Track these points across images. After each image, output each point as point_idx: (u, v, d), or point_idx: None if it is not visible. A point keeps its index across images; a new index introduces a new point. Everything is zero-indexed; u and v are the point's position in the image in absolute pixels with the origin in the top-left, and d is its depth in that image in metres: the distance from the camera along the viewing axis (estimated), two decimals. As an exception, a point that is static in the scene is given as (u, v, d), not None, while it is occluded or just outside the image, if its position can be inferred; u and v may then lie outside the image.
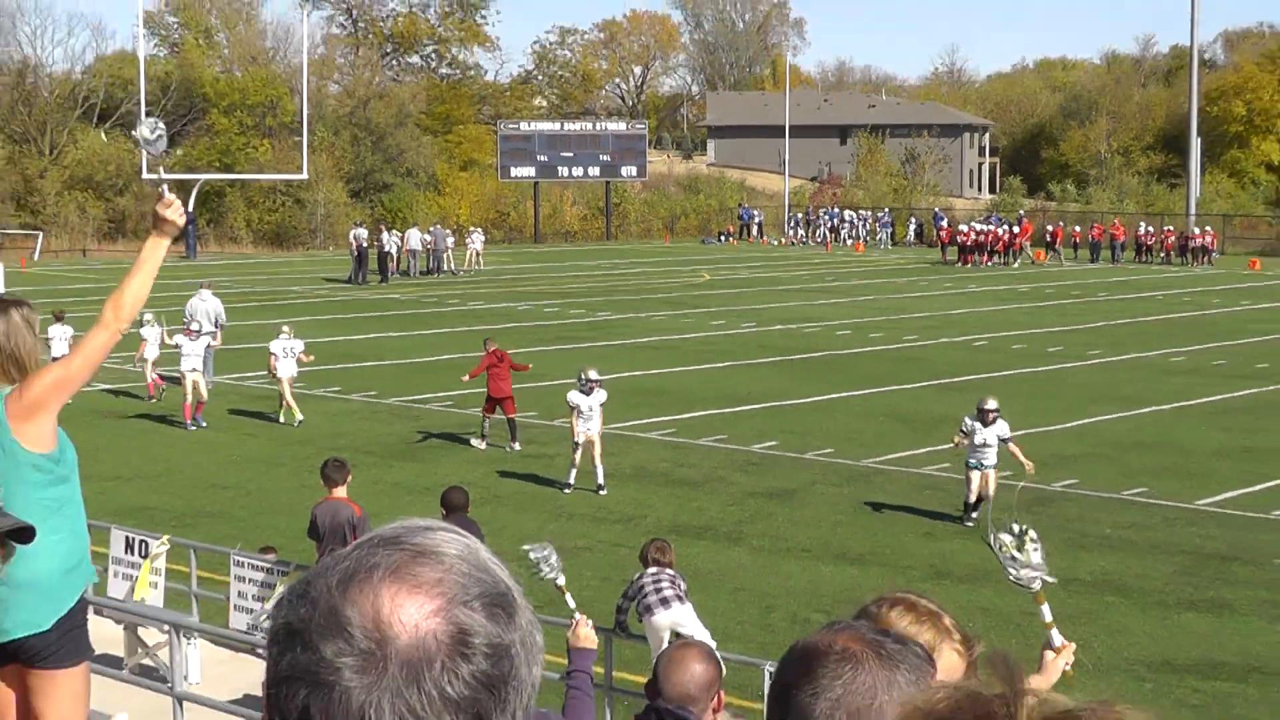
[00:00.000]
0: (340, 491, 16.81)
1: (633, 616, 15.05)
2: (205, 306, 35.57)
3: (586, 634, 8.10)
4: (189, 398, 31.10)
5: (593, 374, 25.42)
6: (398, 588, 1.76)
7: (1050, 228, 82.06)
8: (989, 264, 76.18)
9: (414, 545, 1.82)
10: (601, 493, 24.98)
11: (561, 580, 9.31)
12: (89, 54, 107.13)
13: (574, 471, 25.26)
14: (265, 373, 33.04)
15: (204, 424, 31.25)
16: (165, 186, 6.72)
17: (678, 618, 14.79)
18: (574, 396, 25.26)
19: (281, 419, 31.82)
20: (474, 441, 29.17)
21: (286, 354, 32.03)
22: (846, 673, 2.67)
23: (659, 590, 14.80)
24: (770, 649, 16.57)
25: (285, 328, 32.96)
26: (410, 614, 1.74)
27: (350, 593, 1.76)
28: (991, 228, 78.99)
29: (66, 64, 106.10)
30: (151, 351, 33.73)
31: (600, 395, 25.36)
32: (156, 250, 6.69)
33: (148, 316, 33.03)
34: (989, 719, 1.71)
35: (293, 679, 1.74)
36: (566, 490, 25.19)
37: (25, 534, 3.18)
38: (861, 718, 2.63)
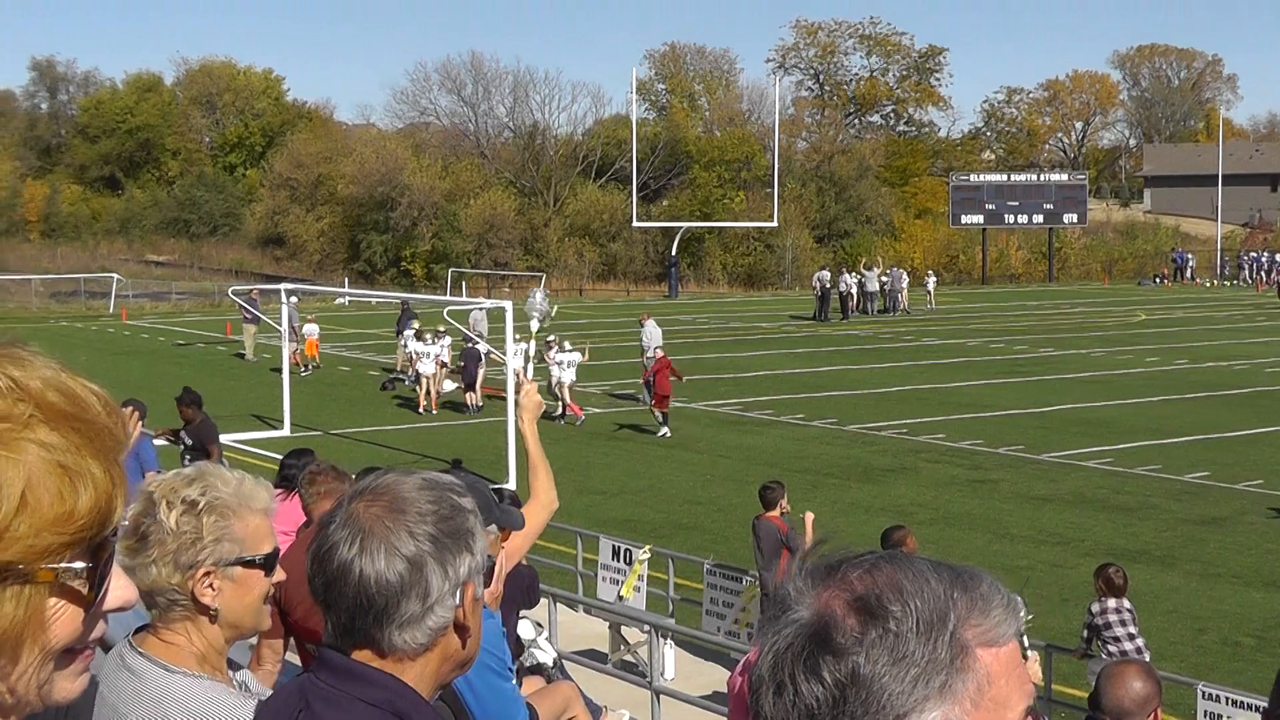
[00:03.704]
0: (774, 512, 16.83)
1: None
2: (656, 333, 38.51)
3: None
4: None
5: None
6: None
7: None
8: None
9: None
10: None
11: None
12: (589, 118, 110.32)
13: None
14: (729, 399, 33.33)
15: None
16: (525, 373, 6.54)
17: None
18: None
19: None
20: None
21: (426, 356, 36.50)
22: None
23: (1131, 637, 14.06)
24: (1201, 669, 15.85)
25: (418, 327, 38.01)
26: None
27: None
28: None
29: (569, 127, 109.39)
30: (568, 376, 35.33)
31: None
32: (530, 433, 6.45)
33: (565, 347, 35.74)
34: None
35: None
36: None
37: None
38: None
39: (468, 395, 36.56)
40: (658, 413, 33.17)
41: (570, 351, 35.58)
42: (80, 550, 1.55)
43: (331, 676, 2.45)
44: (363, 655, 2.45)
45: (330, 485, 7.57)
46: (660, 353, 34.52)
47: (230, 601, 3.27)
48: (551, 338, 37.11)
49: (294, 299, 44.94)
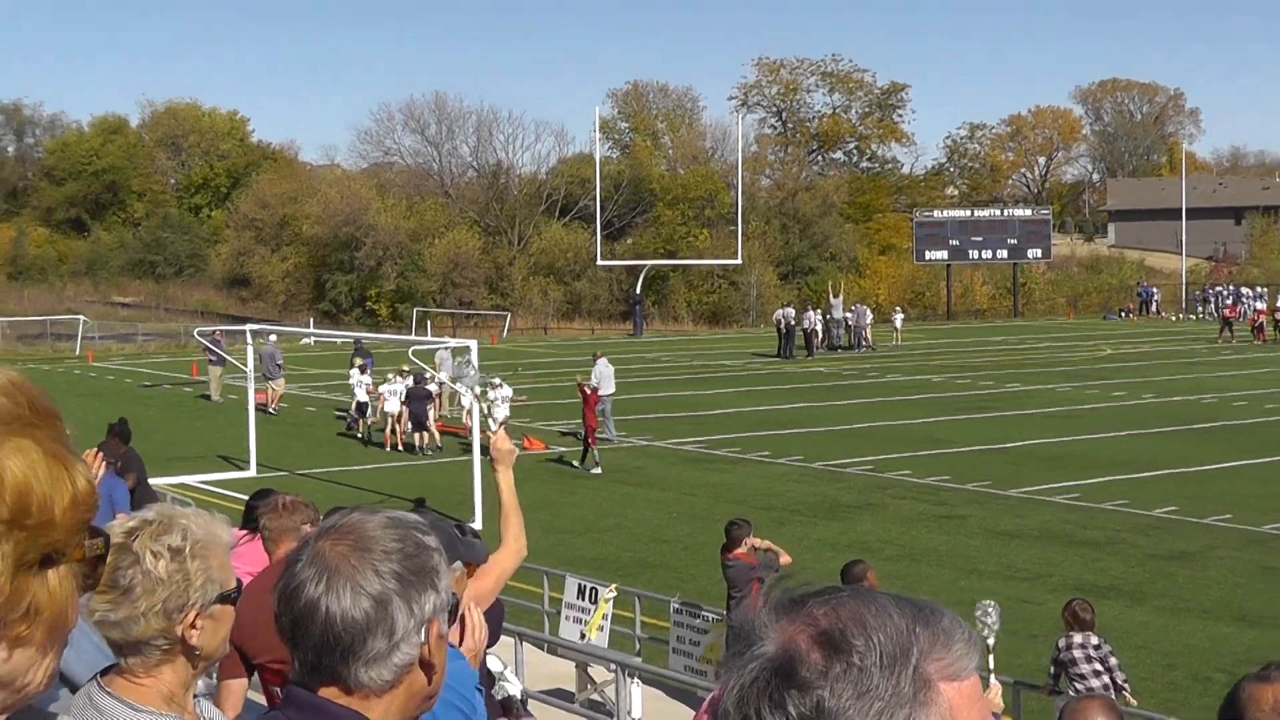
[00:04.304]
0: (741, 549, 16.83)
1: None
2: (607, 371, 38.25)
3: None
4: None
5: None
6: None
7: None
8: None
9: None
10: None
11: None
12: (553, 156, 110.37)
13: None
14: (695, 436, 33.42)
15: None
16: (499, 427, 6.59)
17: None
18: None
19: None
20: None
21: (392, 395, 37.42)
22: None
23: (1098, 673, 14.09)
24: (1171, 705, 15.89)
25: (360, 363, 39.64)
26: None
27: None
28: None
29: (533, 166, 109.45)
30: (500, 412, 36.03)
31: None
32: (504, 481, 6.47)
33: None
34: None
35: None
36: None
37: None
38: None
39: (416, 435, 36.71)
40: (595, 450, 33.84)
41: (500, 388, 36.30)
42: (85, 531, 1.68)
43: (299, 714, 2.46)
44: (329, 692, 2.46)
45: (291, 520, 7.52)
46: (588, 390, 34.86)
47: (208, 638, 3.29)
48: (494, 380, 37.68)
49: (273, 338, 45.26)
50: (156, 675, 3.27)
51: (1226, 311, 75.17)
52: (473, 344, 28.52)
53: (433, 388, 37.67)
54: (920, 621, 1.63)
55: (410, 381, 37.38)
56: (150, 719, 3.22)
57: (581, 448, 34.08)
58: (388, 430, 37.42)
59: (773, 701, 1.58)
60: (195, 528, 3.31)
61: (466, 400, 9.25)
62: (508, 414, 35.89)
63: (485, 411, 29.78)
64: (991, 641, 9.25)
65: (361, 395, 39.48)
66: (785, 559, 16.48)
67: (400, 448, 36.80)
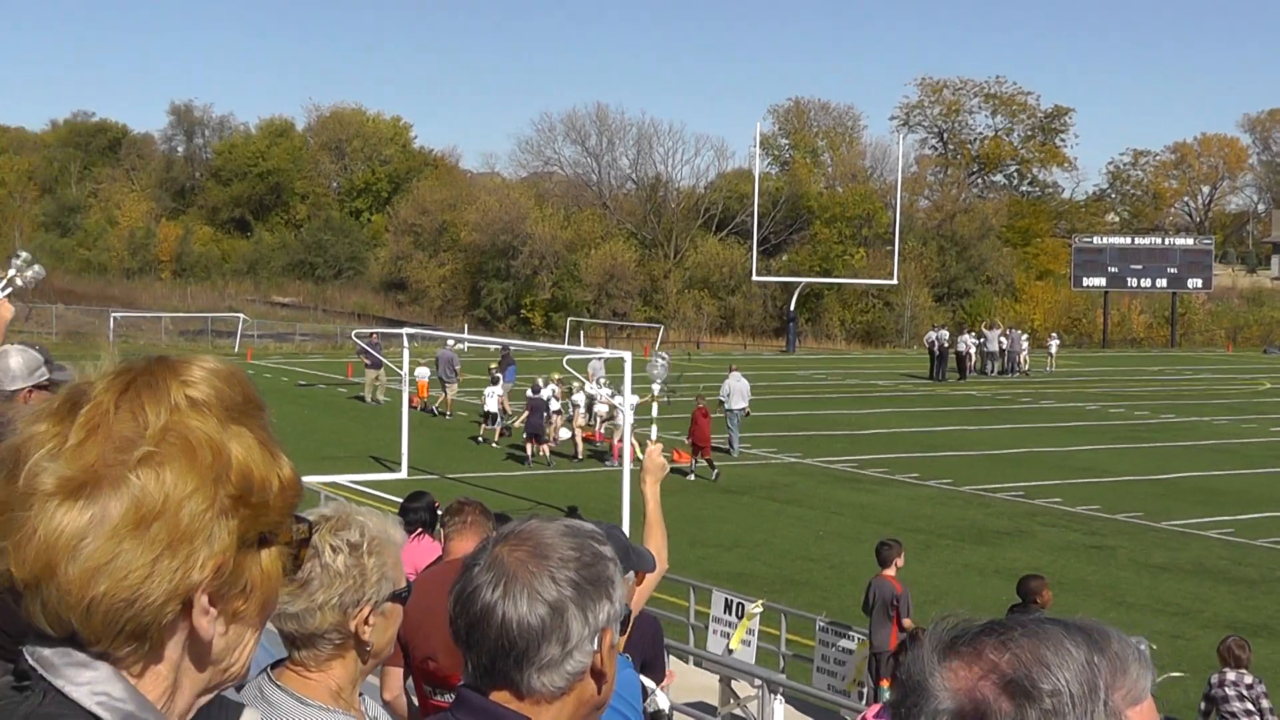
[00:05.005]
0: (890, 570, 16.77)
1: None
2: (739, 386, 38.50)
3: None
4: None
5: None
6: None
7: None
8: None
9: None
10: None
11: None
12: (712, 171, 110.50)
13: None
14: (845, 456, 33.16)
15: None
16: (651, 440, 6.46)
17: None
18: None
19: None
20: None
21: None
22: None
23: (1249, 713, 13.87)
24: (1323, 747, 15.57)
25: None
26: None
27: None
28: None
29: (692, 180, 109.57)
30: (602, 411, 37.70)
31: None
32: (651, 494, 6.31)
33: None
34: None
35: None
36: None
37: None
38: None
39: (528, 445, 36.81)
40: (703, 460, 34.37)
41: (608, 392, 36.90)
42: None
43: (470, 716, 2.52)
44: (500, 696, 2.51)
45: (475, 519, 7.69)
46: (701, 403, 34.85)
47: (379, 634, 3.37)
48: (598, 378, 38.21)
49: (451, 342, 46.13)
50: (326, 670, 3.35)
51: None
52: (626, 355, 28.65)
53: (579, 398, 37.78)
54: (1096, 650, 1.60)
55: (556, 390, 37.72)
56: (319, 714, 3.29)
57: (704, 462, 34.39)
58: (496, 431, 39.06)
59: None
60: (372, 525, 3.39)
61: (656, 388, 9.12)
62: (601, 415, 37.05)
63: (657, 410, 30.04)
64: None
65: (492, 405, 39.77)
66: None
67: (548, 456, 36.97)
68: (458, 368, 45.15)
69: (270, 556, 1.73)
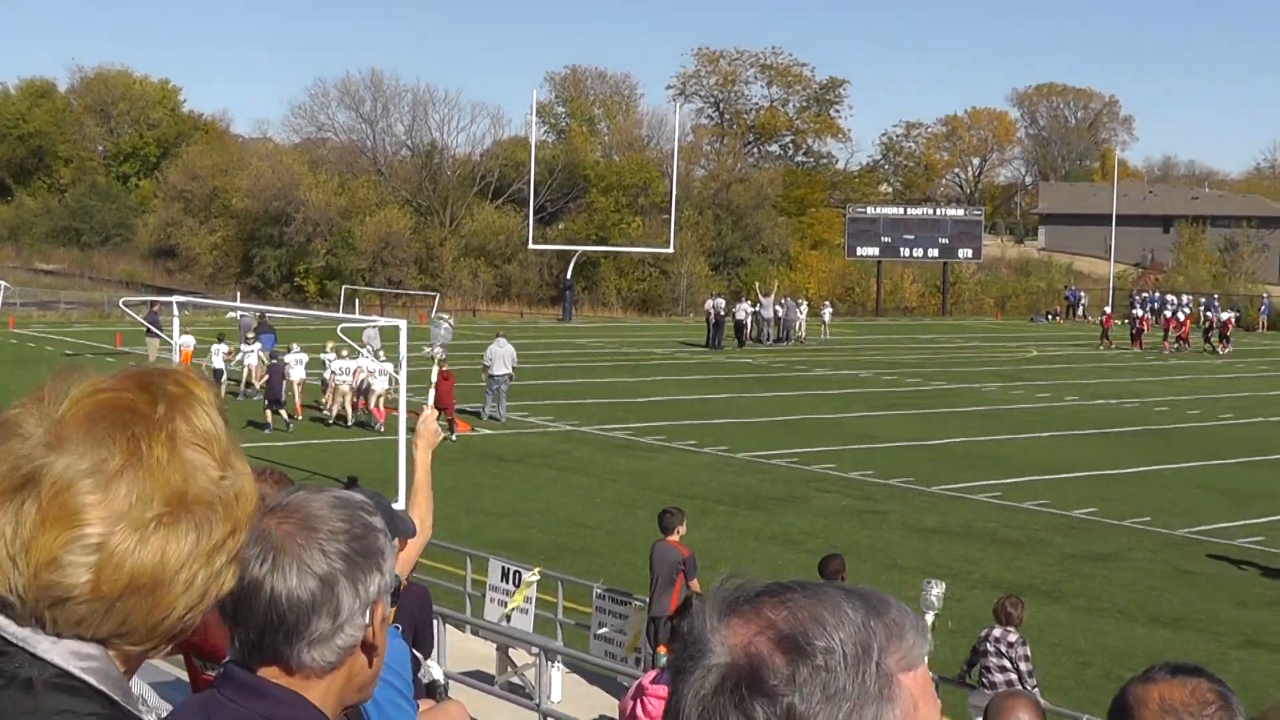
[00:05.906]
0: (673, 537, 16.84)
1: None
2: (502, 352, 38.78)
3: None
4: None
5: None
6: None
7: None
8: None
9: None
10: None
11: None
12: (488, 138, 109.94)
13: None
14: (621, 423, 33.43)
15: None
16: (426, 408, 6.42)
17: None
18: None
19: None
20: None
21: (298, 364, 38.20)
22: None
23: (1003, 669, 14.30)
24: (1084, 703, 16.04)
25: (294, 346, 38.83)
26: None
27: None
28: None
29: (468, 147, 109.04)
30: (380, 385, 36.89)
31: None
32: (422, 461, 6.24)
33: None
34: None
35: None
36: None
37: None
38: None
39: (267, 412, 36.79)
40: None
41: (384, 362, 36.85)
42: None
43: (237, 693, 2.44)
44: (269, 672, 2.44)
45: (269, 490, 7.48)
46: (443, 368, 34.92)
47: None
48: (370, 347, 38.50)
49: (243, 312, 45.71)
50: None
51: (1104, 320, 75.34)
52: (401, 324, 28.39)
53: (352, 364, 37.40)
54: (874, 614, 1.61)
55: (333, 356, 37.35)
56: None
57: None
58: (334, 404, 38.00)
59: (741, 711, 1.55)
60: None
61: (438, 351, 9.06)
62: (385, 387, 36.83)
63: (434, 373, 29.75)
64: (931, 619, 9.40)
65: (218, 362, 40.31)
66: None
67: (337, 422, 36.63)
68: (250, 334, 44.49)
69: None
